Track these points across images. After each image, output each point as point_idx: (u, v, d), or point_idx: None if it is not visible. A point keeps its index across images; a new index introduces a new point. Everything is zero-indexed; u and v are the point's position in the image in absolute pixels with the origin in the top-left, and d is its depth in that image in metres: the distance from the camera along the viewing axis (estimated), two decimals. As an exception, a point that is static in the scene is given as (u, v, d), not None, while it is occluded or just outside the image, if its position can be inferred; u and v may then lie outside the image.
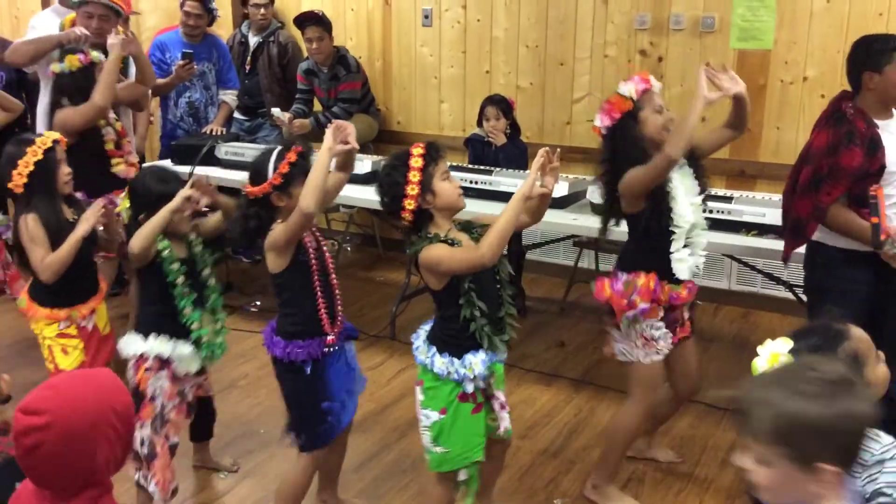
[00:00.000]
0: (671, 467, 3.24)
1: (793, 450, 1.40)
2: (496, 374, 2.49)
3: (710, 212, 3.25)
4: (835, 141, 2.81)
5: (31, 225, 2.92)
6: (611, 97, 2.71)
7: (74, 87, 3.78)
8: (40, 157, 2.95)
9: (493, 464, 2.68)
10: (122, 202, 2.87)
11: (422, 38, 5.55)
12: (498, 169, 4.13)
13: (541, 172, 2.37)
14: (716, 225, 3.22)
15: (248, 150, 4.68)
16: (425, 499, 2.65)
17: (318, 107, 5.48)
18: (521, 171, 4.05)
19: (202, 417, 3.09)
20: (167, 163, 4.83)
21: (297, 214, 2.38)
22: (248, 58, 5.63)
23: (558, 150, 2.42)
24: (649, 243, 2.77)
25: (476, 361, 2.40)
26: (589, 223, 3.72)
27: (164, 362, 2.74)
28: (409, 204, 2.35)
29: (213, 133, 5.08)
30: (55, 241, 2.92)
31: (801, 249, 3.03)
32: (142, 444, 2.69)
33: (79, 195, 3.33)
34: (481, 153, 4.53)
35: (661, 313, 2.79)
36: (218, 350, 2.89)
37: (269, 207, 2.51)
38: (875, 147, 2.77)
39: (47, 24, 4.41)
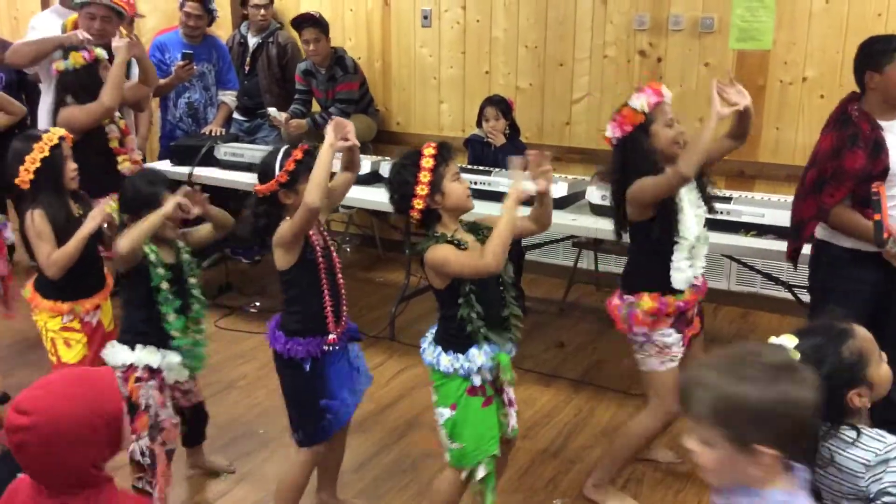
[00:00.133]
0: (671, 467, 3.24)
1: (731, 431, 1.43)
2: (503, 366, 2.50)
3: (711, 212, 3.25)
4: (839, 143, 2.83)
5: (37, 221, 2.92)
6: (623, 109, 2.71)
7: (78, 84, 3.80)
8: (47, 153, 2.95)
9: (498, 462, 2.69)
10: (114, 204, 2.87)
11: (421, 38, 5.55)
12: (497, 169, 4.13)
13: (532, 176, 2.38)
14: (715, 225, 3.22)
15: (247, 151, 4.68)
16: (433, 495, 2.65)
17: (316, 107, 5.49)
18: (521, 172, 4.04)
19: (193, 423, 3.09)
20: (166, 163, 4.84)
21: (303, 209, 2.41)
22: (248, 58, 5.63)
23: (548, 153, 2.42)
24: (653, 255, 2.78)
25: (479, 354, 2.43)
26: (588, 224, 3.73)
27: (153, 371, 2.74)
28: (418, 203, 2.38)
29: (213, 134, 5.09)
30: (62, 237, 2.93)
31: (808, 251, 3.05)
32: (143, 454, 2.70)
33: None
34: (481, 154, 4.54)
35: (671, 320, 2.80)
36: (196, 361, 2.85)
37: (277, 205, 2.54)
38: (879, 149, 2.79)
39: (48, 24, 4.41)
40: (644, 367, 2.87)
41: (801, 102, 4.51)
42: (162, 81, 4.83)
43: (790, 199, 3.85)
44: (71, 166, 3.04)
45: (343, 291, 2.68)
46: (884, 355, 1.83)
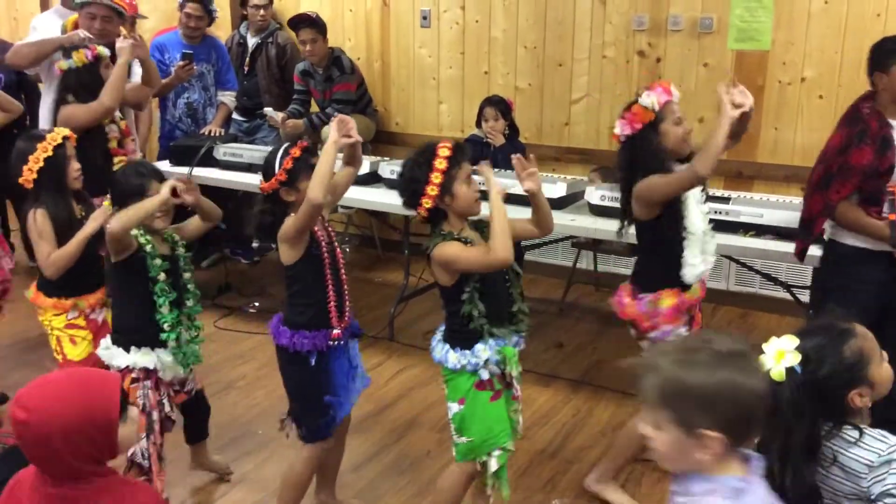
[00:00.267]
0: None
1: (678, 414, 1.48)
2: (508, 359, 2.51)
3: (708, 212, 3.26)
4: (847, 140, 2.86)
5: (39, 220, 2.93)
6: (633, 106, 2.71)
7: (80, 83, 3.81)
8: (50, 152, 2.96)
9: None
10: (107, 201, 2.87)
11: (420, 39, 5.55)
12: (497, 170, 4.12)
13: (519, 179, 2.44)
14: (714, 225, 3.22)
15: (246, 152, 4.68)
16: (437, 492, 2.65)
17: (315, 108, 5.49)
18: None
19: (195, 415, 3.06)
20: (165, 164, 4.83)
21: (306, 205, 2.43)
22: (247, 59, 5.63)
23: (532, 156, 2.49)
24: (663, 253, 2.78)
25: (485, 349, 2.46)
26: (587, 224, 3.73)
27: (149, 371, 2.73)
28: (427, 203, 2.40)
29: (212, 134, 5.09)
30: (63, 238, 2.93)
31: (817, 252, 3.08)
32: (142, 456, 2.69)
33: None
34: (480, 154, 4.52)
35: (685, 318, 2.81)
36: (191, 357, 2.84)
37: (281, 203, 2.56)
38: (886, 146, 2.81)
39: (49, 25, 4.41)
40: None
41: (800, 103, 4.52)
42: (162, 82, 4.82)
43: (789, 199, 3.87)
44: (74, 166, 3.05)
45: (346, 287, 2.70)
46: (885, 354, 1.83)
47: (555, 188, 3.81)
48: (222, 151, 4.73)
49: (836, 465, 1.76)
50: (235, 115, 5.61)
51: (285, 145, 2.58)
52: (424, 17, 5.48)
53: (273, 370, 2.71)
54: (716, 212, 3.39)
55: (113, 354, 2.73)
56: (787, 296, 4.08)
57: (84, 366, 2.85)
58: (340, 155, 2.60)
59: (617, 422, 3.54)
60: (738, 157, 4.58)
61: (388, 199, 4.16)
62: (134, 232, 2.66)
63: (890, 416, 1.94)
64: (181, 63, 4.85)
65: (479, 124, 4.64)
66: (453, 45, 5.44)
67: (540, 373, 4.03)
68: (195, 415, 3.07)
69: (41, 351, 3.80)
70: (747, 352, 1.54)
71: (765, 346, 1.79)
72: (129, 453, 2.65)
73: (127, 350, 2.71)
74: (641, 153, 2.70)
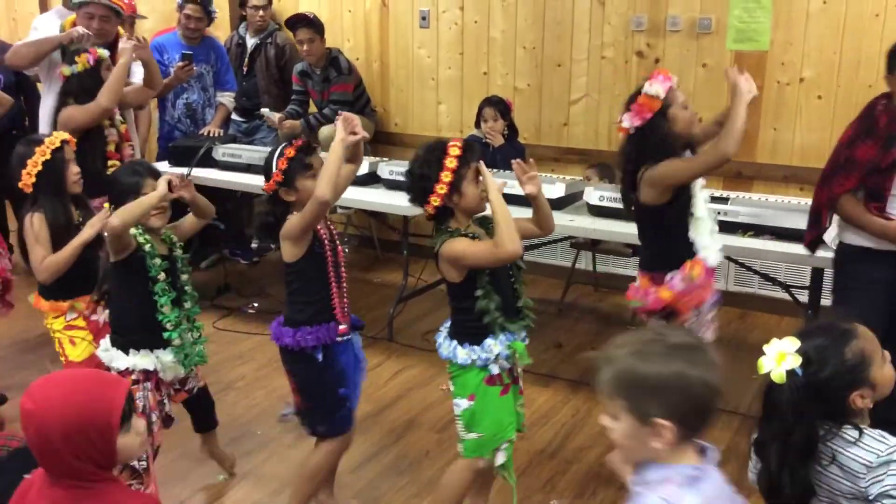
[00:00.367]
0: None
1: (631, 403, 1.54)
2: (519, 353, 2.52)
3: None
4: (855, 134, 2.88)
5: (36, 224, 2.93)
6: (639, 98, 2.72)
7: (81, 88, 3.81)
8: (49, 156, 2.97)
9: None
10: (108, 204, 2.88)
11: (419, 39, 5.55)
12: (496, 170, 4.13)
13: (519, 182, 2.47)
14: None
15: (245, 152, 4.68)
16: (441, 488, 2.66)
17: (314, 108, 5.49)
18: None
19: (201, 408, 3.05)
20: (164, 164, 4.83)
21: (313, 202, 2.43)
22: (246, 59, 5.64)
23: (531, 159, 2.51)
24: (672, 234, 2.79)
25: (495, 344, 2.46)
26: (586, 224, 3.73)
27: (149, 373, 2.73)
28: (435, 201, 2.41)
29: (211, 135, 5.09)
30: (60, 242, 2.93)
31: (829, 255, 3.11)
32: (139, 458, 2.69)
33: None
34: (479, 154, 4.53)
35: (715, 282, 2.84)
36: (196, 357, 2.84)
37: (282, 203, 2.57)
38: (891, 142, 2.81)
39: (50, 25, 4.41)
40: None
41: (799, 103, 4.52)
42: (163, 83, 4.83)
43: (788, 199, 3.87)
44: (73, 170, 3.05)
45: (345, 285, 2.71)
46: (887, 355, 1.83)
47: (554, 189, 3.81)
48: (221, 152, 4.73)
49: (835, 465, 1.77)
50: (234, 116, 5.62)
51: (281, 146, 2.59)
52: (423, 18, 5.48)
53: (272, 370, 2.72)
54: (715, 212, 3.40)
55: (112, 356, 2.73)
56: (786, 296, 4.08)
57: (86, 367, 2.86)
58: None
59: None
60: (736, 157, 4.56)
61: (387, 200, 4.17)
62: (133, 231, 2.66)
63: (890, 416, 1.94)
64: (180, 64, 4.85)
65: (478, 125, 4.64)
66: (452, 46, 5.44)
67: (539, 373, 4.02)
68: (199, 410, 3.07)
69: (41, 351, 3.80)
70: (700, 345, 1.59)
71: (765, 348, 1.79)
72: None
73: (126, 352, 2.71)
74: (652, 141, 2.71)
